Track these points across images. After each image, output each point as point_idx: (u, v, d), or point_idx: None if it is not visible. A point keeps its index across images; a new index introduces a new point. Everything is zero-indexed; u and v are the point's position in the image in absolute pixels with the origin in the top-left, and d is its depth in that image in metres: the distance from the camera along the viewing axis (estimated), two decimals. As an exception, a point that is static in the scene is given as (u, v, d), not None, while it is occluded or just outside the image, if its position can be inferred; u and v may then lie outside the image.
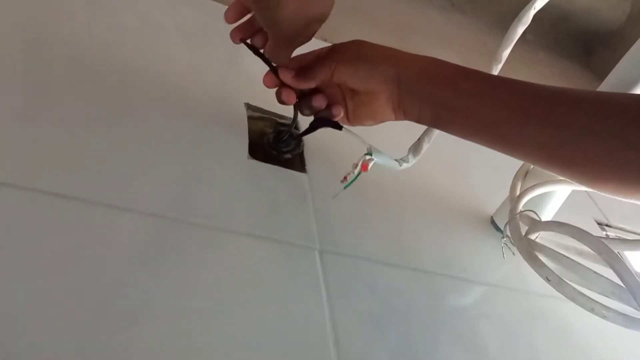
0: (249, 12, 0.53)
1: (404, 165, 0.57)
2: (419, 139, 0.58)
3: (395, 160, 0.57)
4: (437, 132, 0.57)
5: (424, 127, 0.58)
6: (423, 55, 0.51)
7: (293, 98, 0.55)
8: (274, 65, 0.54)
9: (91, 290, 0.42)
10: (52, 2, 0.68)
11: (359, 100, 0.54)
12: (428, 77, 0.49)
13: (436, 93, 0.49)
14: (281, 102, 0.55)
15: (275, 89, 0.55)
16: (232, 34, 0.54)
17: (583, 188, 0.66)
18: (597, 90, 0.64)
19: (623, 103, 0.43)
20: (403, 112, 0.52)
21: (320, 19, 0.48)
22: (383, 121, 0.54)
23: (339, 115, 0.55)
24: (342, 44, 0.53)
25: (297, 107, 0.57)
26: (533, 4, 0.61)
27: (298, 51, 0.53)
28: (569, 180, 0.66)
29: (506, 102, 0.46)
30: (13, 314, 0.38)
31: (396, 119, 0.54)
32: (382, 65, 0.50)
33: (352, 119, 0.56)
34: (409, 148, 0.58)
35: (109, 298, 0.42)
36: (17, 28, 0.61)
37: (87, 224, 0.46)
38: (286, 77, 0.53)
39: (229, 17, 0.53)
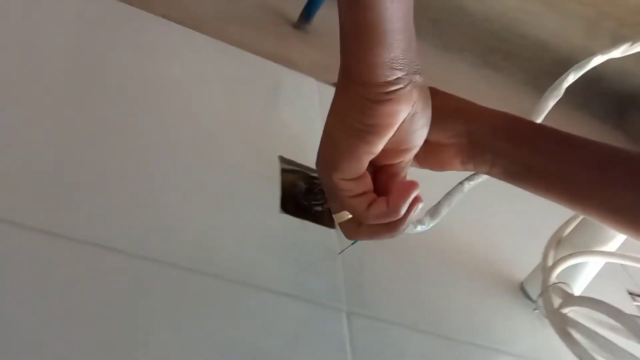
0: None
1: (419, 227, 0.56)
2: (438, 202, 0.56)
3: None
4: (458, 198, 0.56)
5: (444, 188, 0.56)
6: (497, 110, 0.50)
7: None
8: None
9: (122, 344, 0.42)
10: (102, 46, 0.70)
11: (429, 147, 0.53)
12: (503, 132, 0.48)
13: (512, 149, 0.48)
14: None
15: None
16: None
17: (620, 261, 0.64)
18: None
19: None
20: (473, 165, 0.51)
21: None
22: (450, 170, 0.53)
23: None
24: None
25: None
26: (566, 77, 0.60)
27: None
28: (603, 252, 0.65)
29: (585, 163, 0.45)
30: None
31: (464, 170, 0.53)
32: (451, 120, 0.50)
33: (421, 163, 0.54)
34: (427, 211, 0.56)
35: (136, 351, 0.42)
36: (64, 72, 0.63)
37: (122, 275, 0.46)
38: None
39: None
